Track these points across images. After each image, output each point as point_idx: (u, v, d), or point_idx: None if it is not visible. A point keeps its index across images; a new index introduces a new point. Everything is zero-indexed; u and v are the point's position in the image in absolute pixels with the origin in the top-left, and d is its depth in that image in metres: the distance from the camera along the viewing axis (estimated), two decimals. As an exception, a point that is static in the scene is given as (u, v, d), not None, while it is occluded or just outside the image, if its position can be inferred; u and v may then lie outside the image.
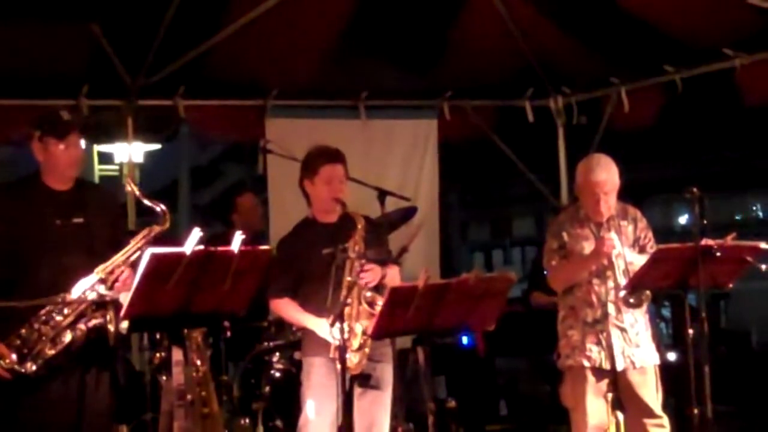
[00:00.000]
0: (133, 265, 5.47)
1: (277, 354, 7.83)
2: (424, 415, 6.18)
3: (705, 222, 6.36)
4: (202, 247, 5.09)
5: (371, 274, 6.04)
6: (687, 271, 6.20)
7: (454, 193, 23.44)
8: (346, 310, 5.90)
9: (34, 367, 5.46)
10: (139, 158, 15.62)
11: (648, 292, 6.48)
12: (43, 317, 5.47)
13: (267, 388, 7.71)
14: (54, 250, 5.60)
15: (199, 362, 6.20)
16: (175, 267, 5.07)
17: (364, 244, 6.04)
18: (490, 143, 10.23)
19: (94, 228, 5.70)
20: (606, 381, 6.44)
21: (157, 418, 7.40)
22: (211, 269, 5.18)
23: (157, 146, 17.38)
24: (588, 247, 6.48)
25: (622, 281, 6.36)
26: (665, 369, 6.69)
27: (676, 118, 9.82)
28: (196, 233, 5.09)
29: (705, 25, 8.32)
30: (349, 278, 5.95)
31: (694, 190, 6.26)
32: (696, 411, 6.20)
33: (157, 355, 7.48)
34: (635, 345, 6.47)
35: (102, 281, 5.49)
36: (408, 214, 8.18)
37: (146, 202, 5.62)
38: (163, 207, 5.57)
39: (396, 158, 9.77)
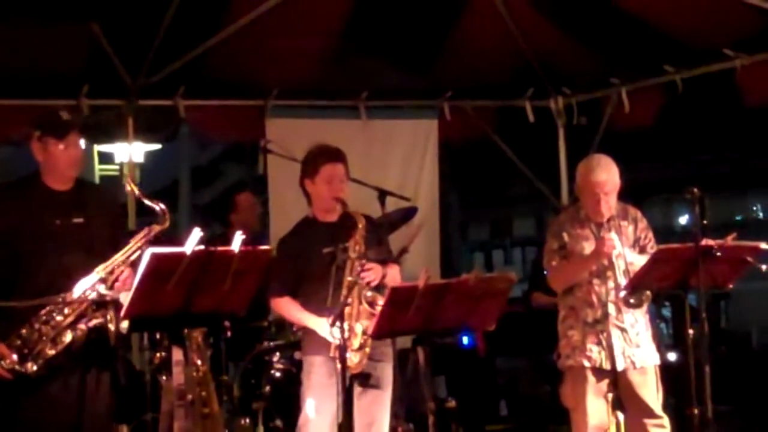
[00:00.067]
0: (133, 265, 5.47)
1: (278, 354, 7.83)
2: (424, 414, 6.18)
3: (705, 222, 6.36)
4: (202, 247, 5.10)
5: (372, 273, 6.04)
6: (687, 271, 6.20)
7: (454, 193, 23.40)
8: (347, 309, 5.90)
9: (34, 367, 5.46)
10: (139, 158, 15.60)
11: (648, 293, 6.48)
12: (44, 317, 5.47)
13: (267, 388, 7.71)
14: (54, 250, 5.60)
15: (199, 362, 6.20)
16: (175, 267, 5.07)
17: (365, 244, 6.04)
18: (490, 143, 10.23)
19: (93, 228, 5.70)
20: (606, 381, 6.44)
21: (158, 418, 7.40)
22: (212, 269, 5.18)
23: (157, 146, 17.36)
24: (588, 247, 6.48)
25: (623, 281, 6.36)
26: (665, 369, 6.69)
27: (677, 119, 9.81)
28: (197, 233, 5.09)
29: (705, 26, 8.32)
30: (349, 278, 5.95)
31: (695, 190, 6.26)
32: (696, 411, 6.20)
33: (158, 354, 7.47)
34: (635, 345, 6.47)
35: (102, 281, 5.49)
36: (408, 214, 8.19)
37: (146, 201, 5.62)
38: (163, 206, 5.57)
39: (396, 158, 9.77)
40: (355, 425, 6.00)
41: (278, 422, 7.67)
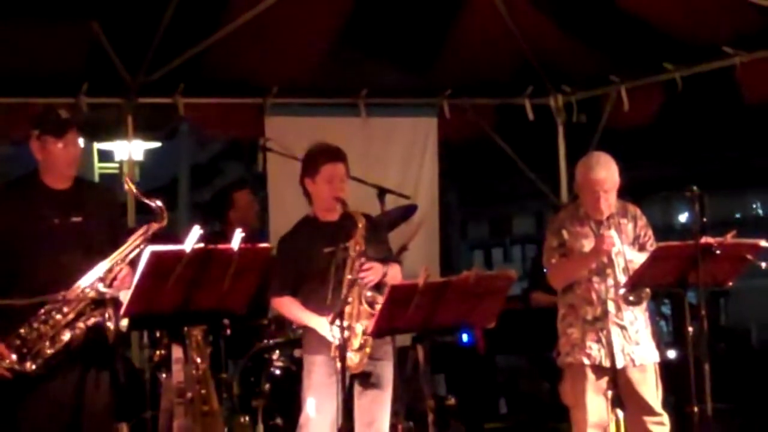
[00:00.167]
0: (132, 263, 5.48)
1: (277, 352, 7.83)
2: (423, 412, 6.19)
3: (705, 220, 6.37)
4: (201, 245, 5.10)
5: (372, 272, 6.04)
6: (687, 268, 6.20)
7: (453, 191, 23.41)
8: (347, 309, 5.91)
9: (33, 367, 5.46)
10: (139, 156, 15.62)
11: (648, 290, 6.50)
12: (43, 316, 5.47)
13: (267, 386, 7.71)
14: (52, 249, 5.60)
15: (199, 360, 6.21)
16: (175, 265, 5.07)
17: (365, 243, 6.04)
18: (489, 141, 10.22)
19: (92, 227, 5.70)
20: (606, 379, 6.44)
21: (157, 416, 7.40)
22: (211, 267, 5.18)
23: (156, 144, 17.39)
24: (588, 245, 6.48)
25: (622, 279, 6.36)
26: (665, 367, 6.70)
27: (676, 117, 9.82)
28: (196, 231, 5.09)
29: (705, 23, 8.31)
30: (349, 276, 5.95)
31: (694, 188, 6.27)
32: (696, 409, 6.21)
33: (157, 352, 7.46)
34: (635, 343, 6.47)
35: (101, 279, 5.49)
36: (408, 212, 8.19)
37: (143, 200, 5.62)
38: (160, 204, 5.57)
39: (396, 156, 9.76)
40: (356, 424, 6.01)
41: (278, 420, 7.67)
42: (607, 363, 6.42)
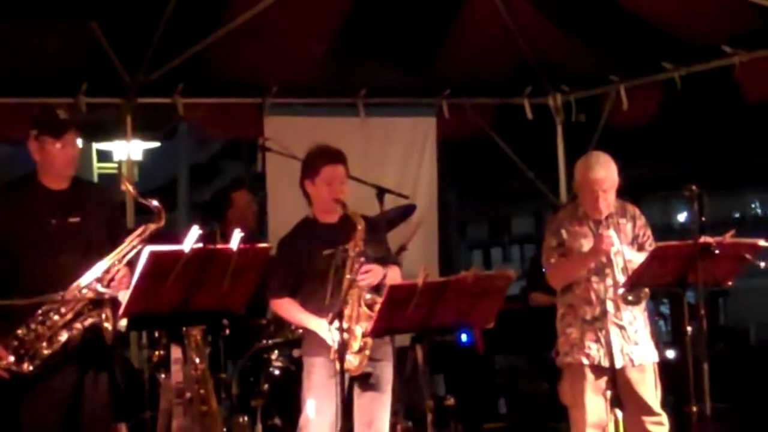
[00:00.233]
0: (129, 264, 5.47)
1: (276, 352, 7.83)
2: (423, 412, 6.18)
3: (704, 219, 6.36)
4: (200, 245, 5.09)
5: (371, 275, 6.03)
6: (686, 268, 6.20)
7: (452, 190, 23.43)
8: (346, 311, 5.90)
9: (30, 368, 5.46)
10: (138, 156, 15.60)
11: (647, 290, 6.49)
12: (40, 317, 5.46)
13: (266, 386, 7.71)
14: (50, 250, 5.59)
15: (197, 360, 6.20)
16: (173, 265, 5.07)
17: (364, 246, 6.03)
18: (488, 141, 10.23)
19: (90, 227, 5.69)
20: (605, 378, 6.44)
21: (156, 416, 7.41)
22: (210, 267, 5.17)
23: (156, 144, 17.37)
24: (587, 244, 6.48)
25: (621, 279, 6.36)
26: (664, 366, 6.70)
27: (675, 116, 9.82)
28: (195, 231, 5.09)
29: (704, 22, 8.31)
30: (348, 276, 5.95)
31: (693, 187, 6.26)
32: (695, 408, 6.21)
33: (156, 353, 7.47)
34: (634, 342, 6.47)
35: (98, 280, 5.49)
36: (407, 211, 8.19)
37: (141, 200, 5.62)
38: (158, 205, 5.56)
39: (395, 156, 9.77)
40: (355, 424, 6.01)
41: (277, 420, 7.67)
42: (606, 363, 6.42)
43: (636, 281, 6.29)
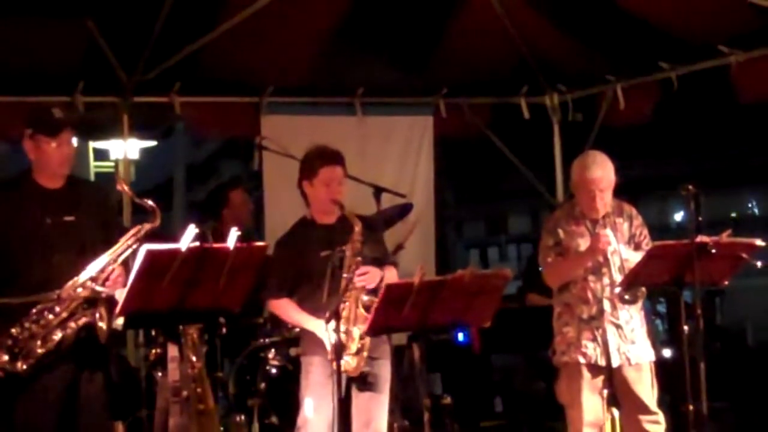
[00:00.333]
0: (124, 264, 5.47)
1: (273, 350, 7.83)
2: (419, 411, 6.18)
3: (701, 219, 6.36)
4: (197, 244, 5.09)
5: (370, 276, 6.02)
6: (682, 267, 6.20)
7: (449, 190, 23.42)
8: (344, 313, 5.90)
9: (24, 366, 5.45)
10: (134, 155, 15.57)
11: (643, 289, 6.51)
12: (34, 316, 5.46)
13: (262, 385, 7.71)
14: (45, 249, 5.59)
15: (194, 359, 6.20)
16: (170, 264, 5.07)
17: (361, 246, 6.03)
18: (485, 140, 10.23)
19: (85, 226, 5.69)
20: (601, 377, 6.45)
21: (153, 414, 7.41)
22: (207, 266, 5.18)
23: (152, 143, 17.37)
24: (583, 244, 6.48)
25: (618, 278, 6.36)
26: (661, 365, 6.70)
27: (672, 115, 9.80)
28: (192, 230, 5.09)
29: (701, 22, 8.32)
30: (345, 275, 5.94)
31: (690, 187, 6.26)
32: (691, 407, 6.21)
33: (153, 351, 7.47)
34: (630, 342, 6.47)
35: (93, 279, 5.48)
36: (404, 210, 8.20)
37: (137, 200, 5.62)
38: (153, 205, 5.55)
39: (392, 155, 9.77)
40: (353, 423, 6.01)
41: (273, 419, 7.67)
42: (602, 362, 6.42)
43: (633, 280, 6.30)
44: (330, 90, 9.45)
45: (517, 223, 31.42)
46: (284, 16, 8.40)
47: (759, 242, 6.32)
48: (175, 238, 5.15)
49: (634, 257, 6.36)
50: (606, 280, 6.44)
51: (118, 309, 5.24)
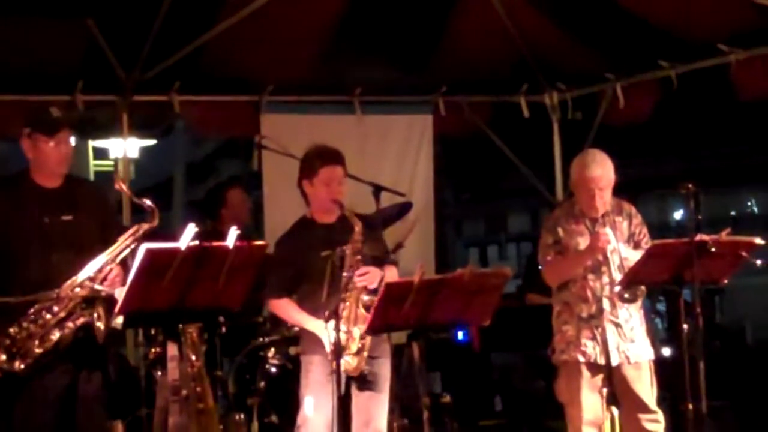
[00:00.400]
0: (122, 263, 5.47)
1: (272, 349, 7.82)
2: (419, 410, 6.18)
3: (700, 217, 6.37)
4: (197, 242, 5.09)
5: (370, 276, 6.02)
6: (682, 266, 6.21)
7: (449, 188, 23.43)
8: (345, 313, 5.90)
9: (22, 366, 5.46)
10: (134, 154, 15.57)
11: (643, 288, 6.51)
12: (32, 316, 5.46)
13: (262, 384, 7.70)
14: (42, 248, 5.59)
15: (194, 358, 6.20)
16: (170, 263, 5.08)
17: (362, 246, 6.02)
18: (485, 139, 10.23)
19: (83, 225, 5.69)
20: (601, 376, 6.45)
21: (152, 413, 7.40)
22: (206, 265, 5.18)
23: (152, 142, 17.36)
24: (583, 242, 6.48)
25: (617, 277, 6.36)
26: (660, 364, 6.71)
27: (671, 114, 9.82)
28: (191, 229, 5.09)
29: (700, 21, 8.31)
30: (345, 274, 5.94)
31: (690, 185, 6.27)
32: (690, 406, 6.22)
33: (152, 350, 7.47)
34: (630, 340, 6.48)
35: (91, 279, 5.48)
36: (403, 209, 8.19)
37: (135, 200, 5.63)
38: (151, 204, 5.55)
39: (391, 154, 9.76)
40: (353, 422, 6.01)
41: (273, 418, 7.66)
42: (602, 360, 6.42)
43: (632, 279, 6.30)
44: (329, 89, 9.45)
45: (516, 221, 31.40)
46: (283, 15, 8.40)
47: (758, 241, 6.33)
48: (174, 237, 5.15)
49: (634, 256, 6.36)
50: (605, 279, 6.44)
51: (117, 308, 5.24)
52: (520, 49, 9.32)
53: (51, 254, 5.58)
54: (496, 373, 10.36)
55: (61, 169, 5.71)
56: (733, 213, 25.84)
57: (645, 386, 6.50)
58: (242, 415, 7.60)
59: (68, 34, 8.19)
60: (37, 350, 5.46)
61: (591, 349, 6.44)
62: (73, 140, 5.76)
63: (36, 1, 7.85)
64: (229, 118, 9.34)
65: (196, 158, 27.47)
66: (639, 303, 6.56)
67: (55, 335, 5.48)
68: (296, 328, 6.65)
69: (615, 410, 6.47)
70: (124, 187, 5.77)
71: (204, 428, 6.15)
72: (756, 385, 10.12)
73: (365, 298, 5.97)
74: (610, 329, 6.44)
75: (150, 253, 5.04)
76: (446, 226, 23.89)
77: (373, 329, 5.68)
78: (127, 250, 5.48)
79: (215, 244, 5.23)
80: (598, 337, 6.44)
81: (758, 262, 6.28)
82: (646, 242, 6.51)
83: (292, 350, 7.36)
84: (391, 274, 6.20)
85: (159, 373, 7.28)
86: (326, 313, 5.83)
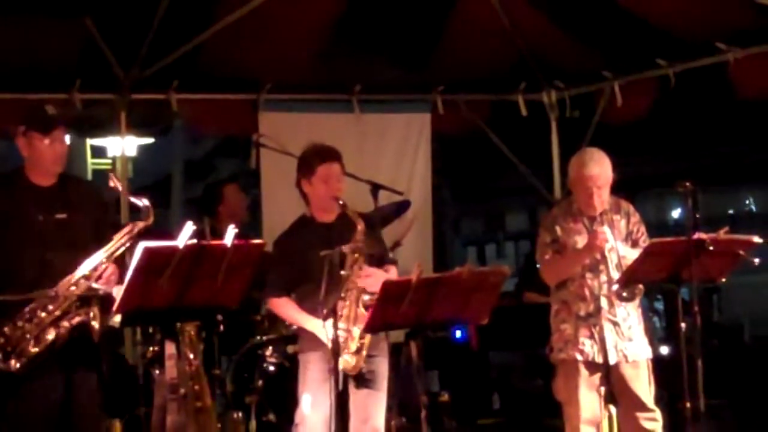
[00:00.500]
0: (118, 261, 5.47)
1: (270, 348, 7.82)
2: (416, 408, 6.18)
3: (698, 216, 6.37)
4: (195, 241, 5.09)
5: (373, 279, 6.00)
6: (680, 264, 6.21)
7: (447, 187, 23.41)
8: (344, 312, 5.89)
9: (17, 365, 5.45)
10: (132, 152, 15.60)
11: (641, 286, 6.50)
12: (27, 314, 5.46)
13: (260, 382, 7.71)
14: (36, 246, 5.59)
15: (191, 356, 6.21)
16: (168, 261, 5.07)
17: (363, 245, 6.01)
18: (483, 137, 10.22)
19: (77, 224, 5.69)
20: (599, 375, 6.45)
21: (150, 412, 7.39)
22: (204, 263, 5.17)
23: (150, 140, 17.36)
24: (581, 241, 6.48)
25: (615, 275, 6.36)
26: (658, 363, 6.71)
27: (669, 112, 9.81)
28: (189, 227, 5.09)
29: (698, 19, 8.31)
30: (343, 272, 5.93)
31: (688, 184, 6.27)
32: (688, 404, 6.22)
33: (150, 349, 7.47)
34: (628, 339, 6.48)
35: (86, 278, 5.48)
36: (401, 207, 8.19)
37: (130, 198, 5.62)
38: (146, 202, 5.54)
39: (389, 152, 9.76)
40: (351, 420, 6.00)
41: (271, 416, 7.67)
42: (599, 359, 6.42)
43: (630, 277, 6.30)
44: (327, 87, 9.45)
45: (514, 220, 31.38)
46: (282, 13, 8.40)
47: (756, 239, 6.32)
48: (172, 235, 5.15)
49: (632, 254, 6.36)
50: (603, 278, 6.43)
51: (115, 306, 5.23)
52: (518, 48, 9.32)
53: (45, 252, 5.57)
54: (494, 372, 10.37)
55: (55, 167, 5.70)
56: (731, 211, 25.86)
57: (643, 385, 6.50)
58: (240, 414, 7.61)
59: (66, 33, 8.19)
60: (33, 349, 5.45)
61: (589, 347, 6.44)
62: (68, 138, 5.75)
63: (34, -1, 7.86)
64: (228, 116, 9.34)
65: (194, 156, 27.45)
66: (637, 301, 6.55)
67: (51, 334, 5.47)
68: (294, 327, 6.64)
69: (613, 409, 6.47)
70: (119, 185, 5.77)
71: (202, 427, 6.17)
72: (754, 383, 10.13)
73: (365, 297, 5.97)
74: (608, 328, 6.44)
75: (148, 251, 5.03)
76: (444, 224, 23.88)
77: (371, 328, 5.68)
78: (123, 248, 5.47)
79: (213, 242, 5.23)
80: (596, 336, 6.44)
81: (756, 260, 6.27)
82: (644, 241, 6.51)
83: (290, 349, 7.36)
84: (392, 274, 6.20)
85: (157, 371, 7.28)
86: (324, 311, 5.82)
